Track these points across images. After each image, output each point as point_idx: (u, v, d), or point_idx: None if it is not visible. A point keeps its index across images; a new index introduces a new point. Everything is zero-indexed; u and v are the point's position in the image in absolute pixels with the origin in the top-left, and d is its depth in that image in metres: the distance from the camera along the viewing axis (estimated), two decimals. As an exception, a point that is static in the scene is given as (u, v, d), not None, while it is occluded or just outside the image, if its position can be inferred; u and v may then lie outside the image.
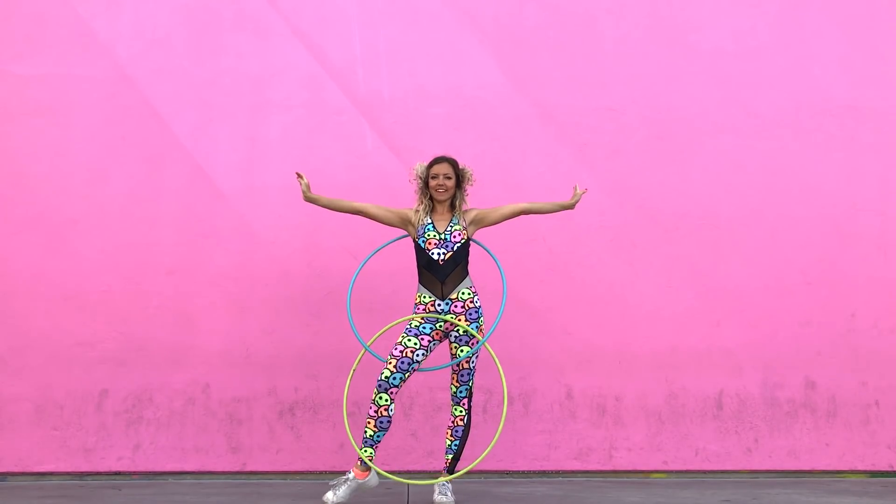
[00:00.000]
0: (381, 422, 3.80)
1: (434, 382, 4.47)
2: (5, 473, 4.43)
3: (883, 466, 4.64)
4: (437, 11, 4.84)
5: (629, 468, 4.58)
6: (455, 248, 3.98)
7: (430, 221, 4.05)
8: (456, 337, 3.94)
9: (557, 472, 4.56)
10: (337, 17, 4.81)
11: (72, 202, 4.60)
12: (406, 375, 3.84)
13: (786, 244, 4.75)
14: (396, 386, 3.80)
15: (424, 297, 3.97)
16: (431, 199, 4.08)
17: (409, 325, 3.92)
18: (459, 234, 4.00)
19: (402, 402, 4.58)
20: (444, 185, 4.00)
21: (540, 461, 4.55)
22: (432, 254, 3.97)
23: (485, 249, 4.11)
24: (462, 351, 3.93)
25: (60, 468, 4.44)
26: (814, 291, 4.73)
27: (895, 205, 4.82)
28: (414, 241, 4.04)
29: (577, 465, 4.57)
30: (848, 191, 4.80)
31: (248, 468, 4.49)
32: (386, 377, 3.78)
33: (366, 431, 3.80)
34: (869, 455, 4.65)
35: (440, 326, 3.92)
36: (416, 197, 4.08)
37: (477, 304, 3.98)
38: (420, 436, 4.54)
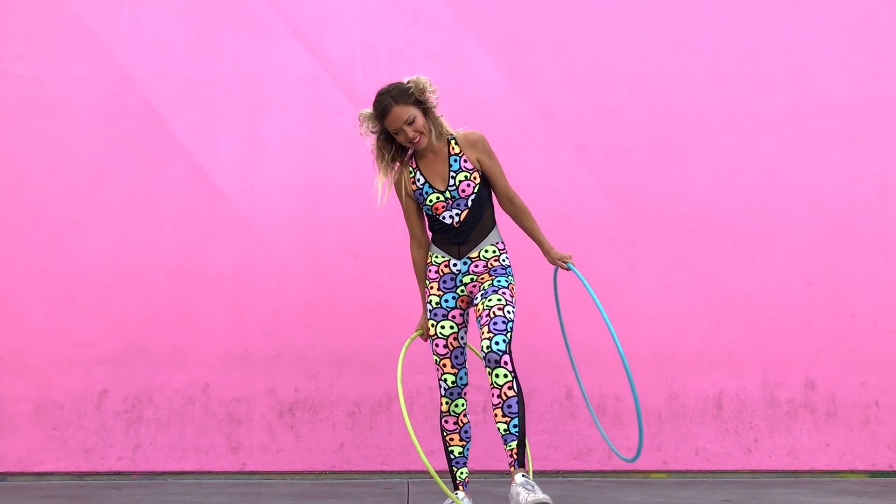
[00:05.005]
0: (466, 431, 3.31)
1: (434, 383, 4.47)
2: (5, 473, 4.43)
3: (883, 466, 4.64)
4: (437, 11, 4.84)
5: (629, 468, 4.58)
6: (470, 201, 3.29)
7: (422, 179, 3.30)
8: (482, 294, 3.24)
9: (557, 472, 4.56)
10: (337, 17, 4.81)
11: (72, 202, 4.60)
12: (465, 366, 3.30)
13: (786, 244, 4.75)
14: (466, 384, 3.29)
15: (437, 256, 3.37)
16: (402, 147, 3.31)
17: (430, 304, 3.32)
18: (469, 183, 3.28)
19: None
20: (415, 133, 3.20)
21: (540, 461, 4.55)
22: (444, 218, 3.30)
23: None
24: (490, 300, 3.18)
25: (60, 468, 4.44)
26: (814, 291, 4.73)
27: (895, 205, 4.82)
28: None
29: (577, 465, 4.57)
30: (848, 191, 4.80)
31: (248, 468, 4.49)
32: (453, 381, 3.25)
33: (451, 451, 3.30)
34: (869, 455, 4.65)
35: (462, 291, 3.31)
36: (374, 156, 3.29)
37: (505, 263, 3.32)
38: (420, 435, 4.54)
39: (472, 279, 3.31)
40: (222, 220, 4.64)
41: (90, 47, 4.70)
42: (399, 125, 3.20)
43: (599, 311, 3.10)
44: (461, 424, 3.28)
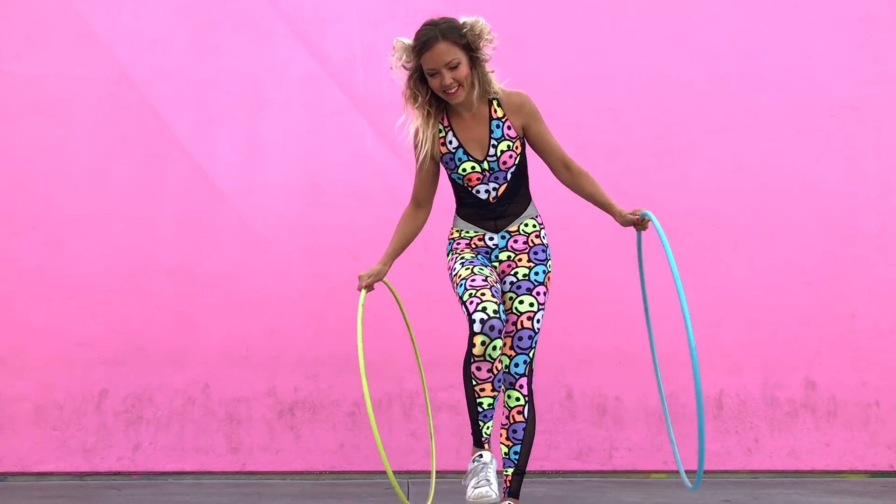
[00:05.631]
0: (500, 379, 2.82)
1: (433, 383, 4.47)
2: (5, 473, 4.43)
3: (883, 466, 4.64)
4: (437, 11, 4.81)
5: (629, 468, 4.58)
6: (510, 174, 2.90)
7: (455, 142, 2.86)
8: (513, 284, 2.89)
9: (557, 472, 4.56)
10: (337, 17, 4.81)
11: (72, 202, 4.60)
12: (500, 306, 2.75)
13: (786, 244, 4.75)
14: (506, 323, 2.82)
15: (466, 231, 2.96)
16: (437, 97, 2.83)
17: (461, 258, 2.89)
18: (511, 154, 2.88)
19: (402, 401, 4.57)
20: (453, 81, 2.76)
21: (540, 461, 4.55)
22: (478, 192, 2.90)
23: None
24: (522, 303, 2.86)
25: (60, 468, 4.44)
26: (814, 291, 4.73)
27: (895, 205, 4.82)
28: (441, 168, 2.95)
29: (577, 465, 4.57)
30: (848, 191, 4.80)
31: (248, 468, 4.49)
32: (495, 311, 2.68)
33: (479, 404, 2.78)
34: (869, 455, 4.64)
35: (496, 267, 2.93)
36: (405, 96, 2.86)
37: (545, 242, 2.98)
38: (420, 435, 4.54)
39: (509, 256, 2.93)
40: (222, 220, 4.64)
41: (90, 47, 4.70)
42: (438, 65, 2.74)
43: (676, 283, 2.73)
44: (495, 372, 2.75)
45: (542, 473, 4.56)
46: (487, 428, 2.84)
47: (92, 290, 4.56)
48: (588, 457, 4.59)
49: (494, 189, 2.90)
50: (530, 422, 2.89)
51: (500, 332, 2.71)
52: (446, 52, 2.75)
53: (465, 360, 2.79)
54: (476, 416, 2.82)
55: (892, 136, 4.85)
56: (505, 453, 2.91)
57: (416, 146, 2.95)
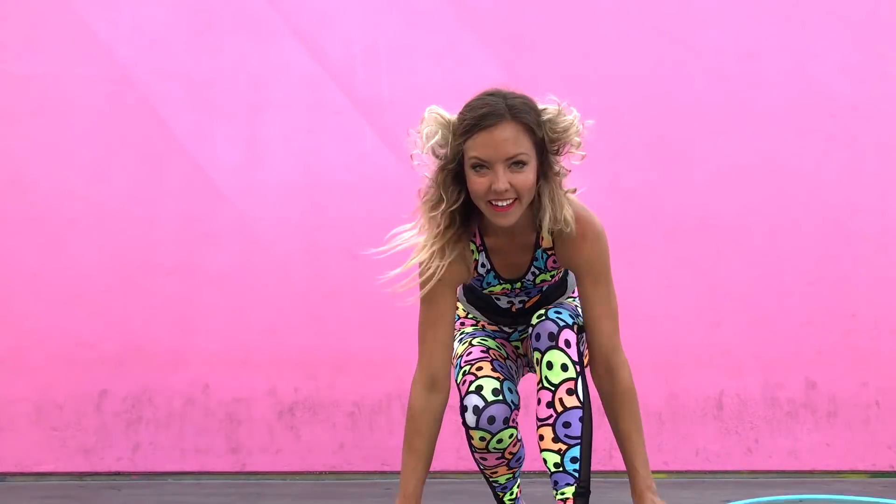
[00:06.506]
0: (518, 459, 2.27)
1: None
2: (4, 473, 4.43)
3: (884, 467, 4.64)
4: (437, 11, 4.84)
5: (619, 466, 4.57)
6: (545, 288, 2.17)
7: (487, 265, 2.08)
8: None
9: (558, 473, 4.55)
10: (337, 17, 4.81)
11: (72, 202, 4.60)
12: (515, 379, 2.20)
13: (786, 244, 4.75)
14: (516, 406, 2.10)
15: (474, 315, 2.33)
16: (471, 205, 1.97)
17: (460, 332, 2.27)
18: (551, 277, 2.14)
19: (402, 401, 4.56)
20: (510, 189, 1.87)
21: (540, 461, 4.54)
22: (498, 300, 2.20)
23: None
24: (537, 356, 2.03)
25: (60, 468, 4.44)
26: (814, 292, 4.72)
27: (895, 205, 4.82)
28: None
29: (577, 466, 4.56)
30: (848, 191, 4.79)
31: (248, 468, 4.48)
32: (495, 391, 2.00)
33: (495, 482, 2.29)
34: (870, 455, 4.64)
35: (516, 344, 2.29)
36: (426, 200, 2.01)
37: (575, 304, 2.20)
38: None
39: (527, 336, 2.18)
40: (222, 220, 4.64)
41: (90, 47, 4.69)
42: (495, 157, 1.86)
43: None
44: (508, 457, 2.17)
45: (542, 473, 4.54)
46: (511, 494, 2.32)
47: (92, 290, 4.55)
48: (588, 457, 4.57)
49: (522, 302, 2.18)
50: (587, 407, 1.97)
51: (507, 420, 2.02)
52: (513, 139, 1.86)
53: (467, 441, 2.12)
54: (493, 487, 2.33)
55: (892, 136, 4.85)
56: (555, 464, 2.03)
57: (427, 275, 2.05)
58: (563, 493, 2.01)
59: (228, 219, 4.64)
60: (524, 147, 1.89)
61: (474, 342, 2.18)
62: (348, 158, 4.70)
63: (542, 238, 2.06)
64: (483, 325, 2.31)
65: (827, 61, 4.88)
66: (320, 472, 4.51)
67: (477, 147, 1.89)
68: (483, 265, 2.10)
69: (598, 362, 2.09)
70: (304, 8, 4.81)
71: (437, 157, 1.97)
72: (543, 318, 2.02)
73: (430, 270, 2.01)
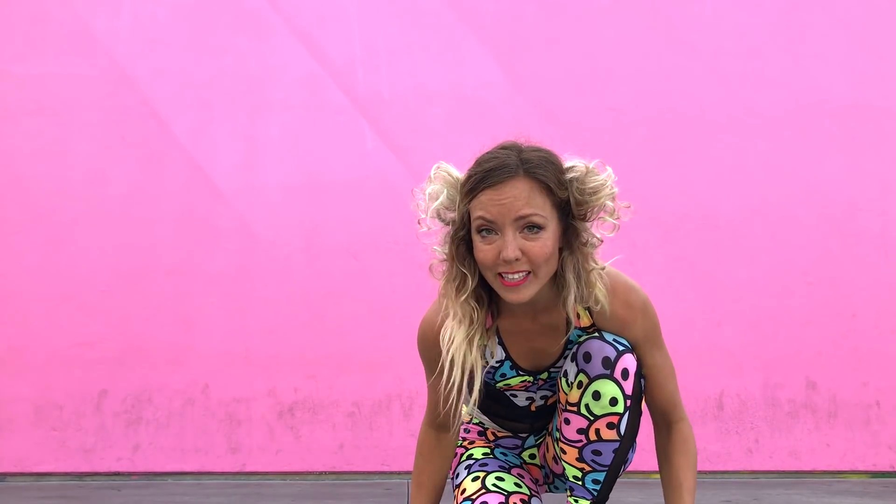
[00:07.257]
0: None
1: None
2: (4, 474, 4.43)
3: (884, 467, 4.64)
4: (437, 11, 4.84)
5: (629, 468, 4.57)
6: None
7: (501, 354, 1.81)
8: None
9: (558, 473, 4.56)
10: (337, 17, 4.81)
11: (72, 202, 4.60)
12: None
13: (786, 244, 4.75)
14: None
15: (485, 423, 2.06)
16: (482, 280, 1.70)
17: (467, 454, 2.01)
18: None
19: (402, 401, 4.57)
20: (521, 257, 1.61)
21: (540, 461, 4.54)
22: (514, 396, 1.91)
23: None
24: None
25: (60, 468, 4.44)
26: (814, 292, 4.72)
27: (895, 205, 4.83)
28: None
29: (577, 466, 4.56)
30: (849, 191, 4.79)
31: (248, 469, 4.48)
32: None
33: None
34: (870, 455, 4.64)
35: (531, 458, 2.03)
36: (446, 280, 1.74)
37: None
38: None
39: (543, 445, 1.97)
40: (222, 219, 4.64)
41: (90, 47, 4.69)
42: (503, 217, 1.59)
43: None
44: None
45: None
46: None
47: (92, 290, 4.55)
48: (588, 457, 4.58)
49: (544, 398, 1.89)
50: (627, 439, 1.81)
51: None
52: (526, 198, 1.58)
53: None
54: None
55: (892, 136, 4.85)
56: (575, 477, 1.84)
57: (428, 356, 1.85)
58: (576, 501, 1.88)
59: (228, 219, 4.65)
60: (539, 208, 1.61)
61: (489, 483, 1.85)
62: (348, 158, 4.71)
63: (579, 320, 1.76)
64: (494, 439, 2.01)
65: (827, 61, 4.88)
66: (320, 472, 4.51)
67: (482, 206, 1.59)
68: (495, 354, 1.78)
69: (657, 410, 1.99)
70: (304, 8, 4.81)
71: (443, 221, 1.69)
72: (595, 336, 1.73)
73: (459, 360, 1.68)
